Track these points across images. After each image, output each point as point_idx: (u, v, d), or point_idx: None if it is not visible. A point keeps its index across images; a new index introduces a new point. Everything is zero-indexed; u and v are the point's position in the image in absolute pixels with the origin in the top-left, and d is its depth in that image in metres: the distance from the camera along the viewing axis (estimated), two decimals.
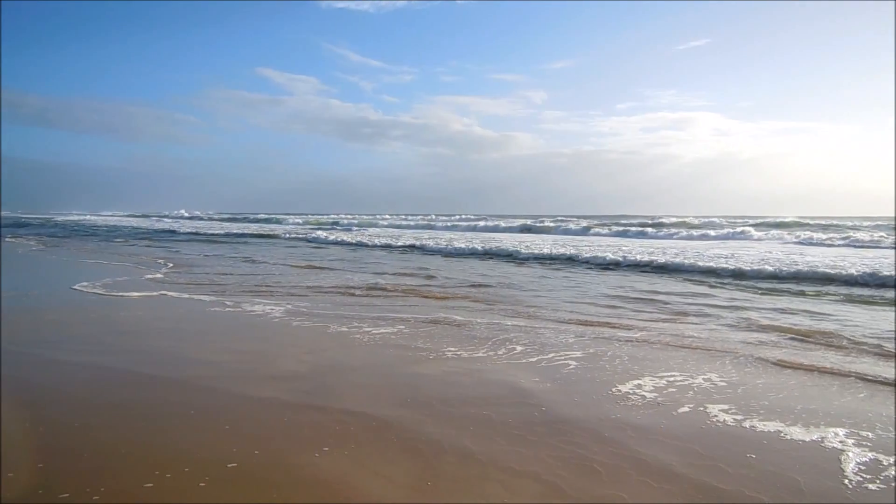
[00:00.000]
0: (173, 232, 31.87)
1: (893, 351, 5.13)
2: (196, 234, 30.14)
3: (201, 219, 60.06)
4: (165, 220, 57.52)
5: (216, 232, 30.98)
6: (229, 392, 3.97)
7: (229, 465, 2.81)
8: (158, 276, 10.85)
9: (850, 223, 32.67)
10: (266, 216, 54.78)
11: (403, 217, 56.02)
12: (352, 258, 15.93)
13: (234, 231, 31.86)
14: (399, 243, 21.09)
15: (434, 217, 52.75)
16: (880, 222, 34.53)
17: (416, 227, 39.90)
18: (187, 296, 8.30)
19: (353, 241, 22.75)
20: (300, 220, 49.18)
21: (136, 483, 2.61)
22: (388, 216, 59.29)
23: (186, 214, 70.69)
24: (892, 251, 16.65)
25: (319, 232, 27.98)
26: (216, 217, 64.70)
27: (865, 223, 33.01)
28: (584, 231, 32.62)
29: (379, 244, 21.12)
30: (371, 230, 34.04)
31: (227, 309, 7.26)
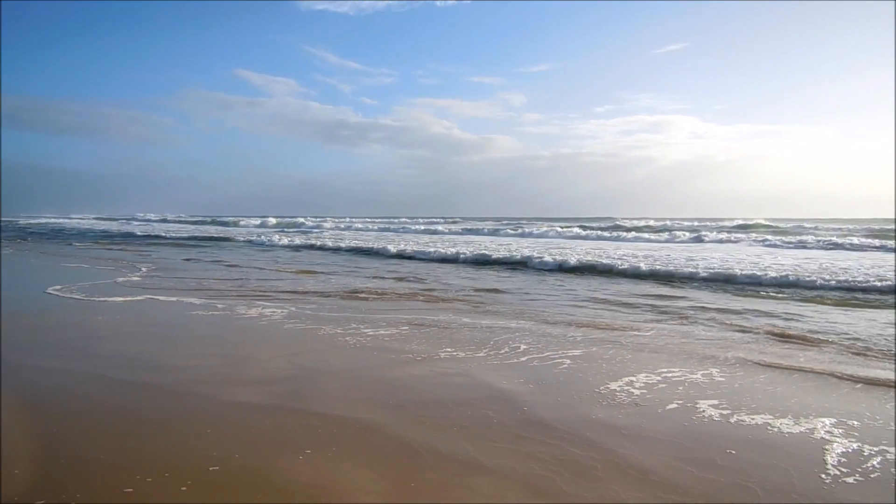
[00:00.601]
0: (130, 235, 31.57)
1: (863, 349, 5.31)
2: (149, 236, 30.24)
3: (167, 221, 59.29)
4: (134, 222, 56.46)
5: (166, 235, 30.87)
6: (208, 396, 3.96)
7: (211, 469, 2.82)
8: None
9: (814, 225, 33.82)
10: (234, 219, 54.14)
11: (373, 220, 56.58)
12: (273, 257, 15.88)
13: (183, 234, 31.56)
14: (343, 245, 21.40)
15: (406, 220, 53.23)
16: (849, 225, 35.78)
17: (383, 230, 39.91)
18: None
19: (294, 244, 23.06)
20: (258, 222, 49.42)
21: (116, 488, 2.61)
22: (364, 219, 59.36)
23: (154, 217, 69.75)
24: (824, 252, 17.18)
25: (276, 235, 28.04)
26: (185, 220, 63.70)
27: (834, 225, 34.22)
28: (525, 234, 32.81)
29: (329, 245, 21.41)
30: (330, 232, 34.39)
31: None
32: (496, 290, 9.79)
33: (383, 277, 11.79)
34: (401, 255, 17.38)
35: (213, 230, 37.47)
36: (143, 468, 2.80)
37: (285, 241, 24.13)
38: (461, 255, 16.14)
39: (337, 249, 20.30)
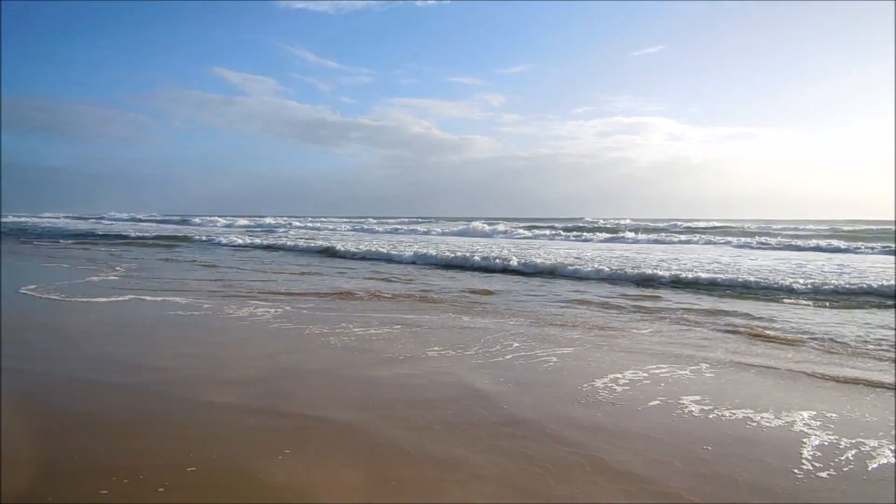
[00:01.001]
0: (89, 234, 30.89)
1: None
2: (107, 235, 29.67)
3: (139, 221, 58.22)
4: (104, 221, 55.31)
5: (118, 234, 30.36)
6: (186, 397, 3.95)
7: (189, 470, 2.81)
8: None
9: (781, 226, 34.81)
10: (206, 218, 53.45)
11: (350, 220, 56.64)
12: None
13: (137, 234, 30.55)
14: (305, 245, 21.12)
15: (375, 221, 53.47)
16: (812, 225, 36.93)
17: (356, 229, 40.05)
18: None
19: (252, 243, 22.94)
20: (227, 222, 49.05)
21: (91, 490, 2.60)
22: (343, 219, 59.25)
23: (124, 216, 68.44)
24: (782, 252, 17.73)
25: (233, 236, 27.76)
26: (155, 219, 62.62)
27: (801, 226, 35.29)
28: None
29: (289, 245, 21.27)
30: (293, 232, 34.15)
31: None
32: (425, 293, 9.84)
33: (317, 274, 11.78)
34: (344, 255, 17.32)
35: (183, 230, 36.90)
36: (118, 470, 2.78)
37: (238, 240, 23.89)
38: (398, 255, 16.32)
39: (294, 249, 20.13)
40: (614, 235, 28.76)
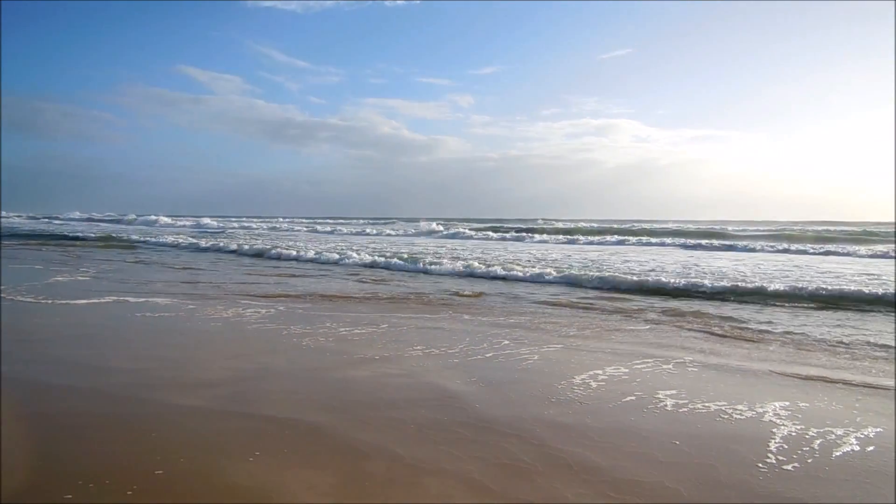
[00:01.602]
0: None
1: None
2: (52, 235, 28.54)
3: (92, 220, 56.54)
4: (55, 221, 53.35)
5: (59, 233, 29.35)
6: (153, 399, 3.90)
7: (156, 473, 2.79)
8: None
9: (742, 228, 35.99)
10: (154, 218, 51.99)
11: (317, 220, 56.30)
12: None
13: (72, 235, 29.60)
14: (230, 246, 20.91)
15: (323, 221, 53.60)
16: (769, 227, 38.29)
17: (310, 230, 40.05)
18: None
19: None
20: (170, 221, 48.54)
21: (54, 495, 2.56)
22: (305, 219, 58.80)
23: (77, 216, 66.39)
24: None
25: (169, 237, 27.09)
26: (110, 218, 60.88)
27: (763, 227, 36.57)
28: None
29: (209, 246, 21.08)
30: (242, 232, 34.10)
31: None
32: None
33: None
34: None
35: (132, 230, 36.26)
36: (84, 474, 2.75)
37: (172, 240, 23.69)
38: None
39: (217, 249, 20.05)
40: (553, 237, 29.71)
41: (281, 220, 62.52)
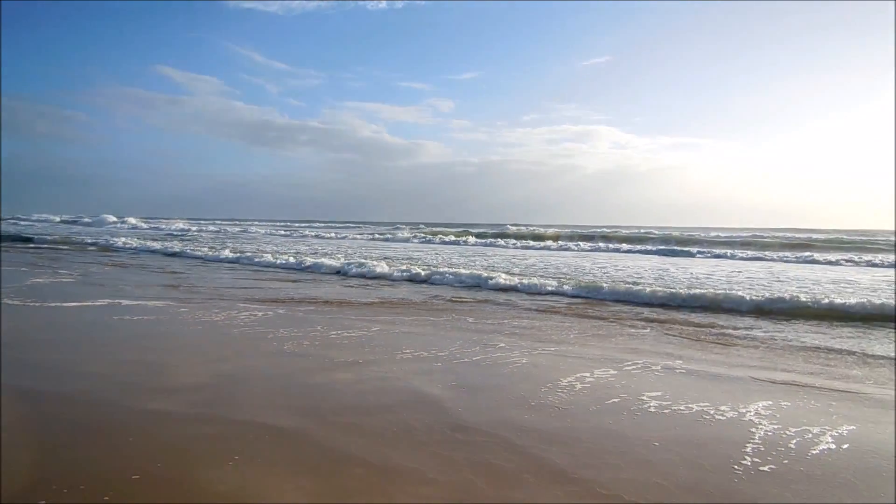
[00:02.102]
0: None
1: None
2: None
3: (51, 221, 55.13)
4: (21, 222, 52.07)
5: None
6: (128, 405, 3.85)
7: (133, 478, 2.77)
8: None
9: (714, 234, 36.64)
10: (116, 220, 51.11)
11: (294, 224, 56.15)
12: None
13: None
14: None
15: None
16: (742, 233, 39.10)
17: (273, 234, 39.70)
18: None
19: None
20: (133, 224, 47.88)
21: (27, 501, 2.53)
22: (283, 222, 58.48)
23: (56, 218, 65.03)
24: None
25: (125, 239, 26.79)
26: (82, 220, 59.64)
27: (738, 233, 37.33)
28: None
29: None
30: (205, 235, 33.78)
31: None
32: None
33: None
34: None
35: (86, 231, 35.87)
36: (57, 479, 2.72)
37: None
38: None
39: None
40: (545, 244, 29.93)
41: (257, 223, 62.02)
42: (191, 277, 12.05)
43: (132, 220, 50.31)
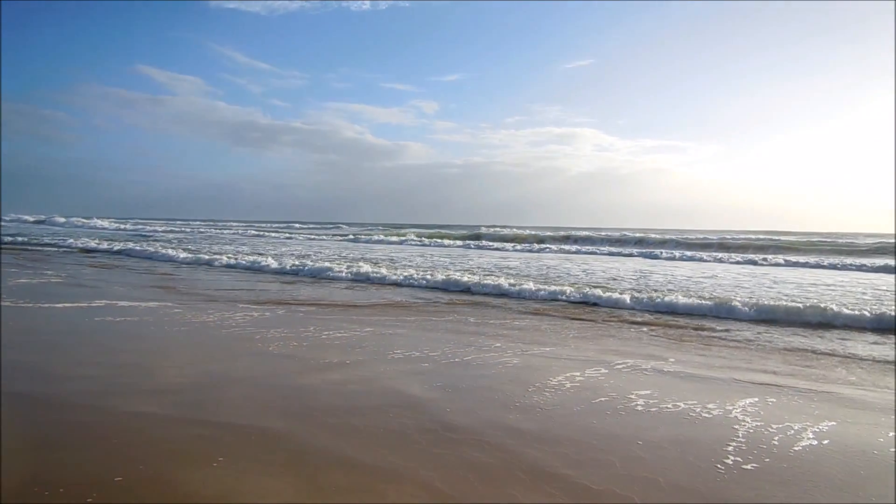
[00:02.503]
0: None
1: None
2: None
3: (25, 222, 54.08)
4: None
5: None
6: (109, 407, 3.81)
7: (116, 479, 2.74)
8: None
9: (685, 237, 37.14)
10: (77, 221, 50.24)
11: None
12: None
13: None
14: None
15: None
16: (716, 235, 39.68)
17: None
18: None
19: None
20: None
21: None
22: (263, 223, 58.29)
23: (30, 218, 63.81)
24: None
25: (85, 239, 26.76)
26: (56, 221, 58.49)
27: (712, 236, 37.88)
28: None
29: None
30: (173, 236, 33.58)
31: None
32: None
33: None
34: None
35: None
36: (39, 484, 2.69)
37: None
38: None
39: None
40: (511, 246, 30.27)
41: (235, 224, 61.62)
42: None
43: (102, 222, 49.77)
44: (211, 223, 64.51)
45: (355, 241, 33.50)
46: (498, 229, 43.20)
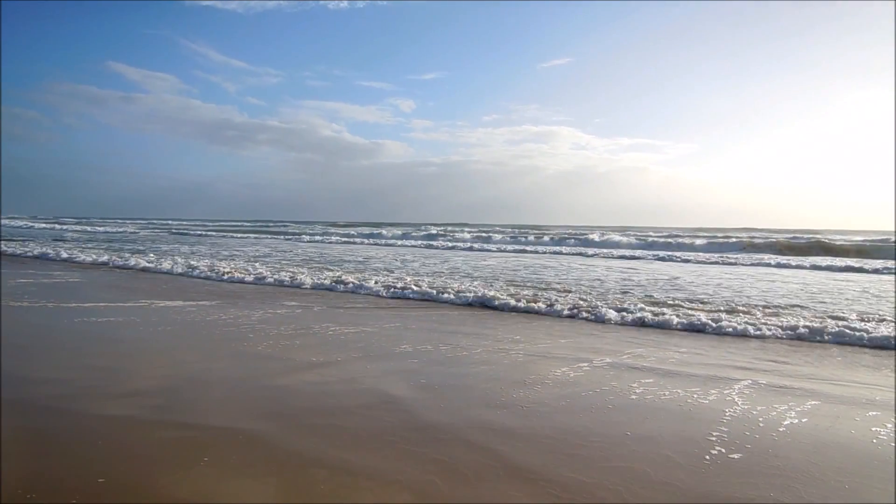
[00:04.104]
0: None
1: None
2: None
3: None
4: None
5: None
6: (86, 411, 3.80)
7: (99, 480, 2.75)
8: None
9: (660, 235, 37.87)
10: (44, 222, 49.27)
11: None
12: None
13: None
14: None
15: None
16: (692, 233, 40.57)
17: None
18: None
19: None
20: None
21: None
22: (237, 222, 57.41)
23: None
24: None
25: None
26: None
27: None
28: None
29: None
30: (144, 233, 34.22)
31: None
32: None
33: None
34: None
35: None
36: (22, 485, 2.69)
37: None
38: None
39: None
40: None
41: (211, 223, 60.91)
42: None
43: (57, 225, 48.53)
44: (181, 222, 63.49)
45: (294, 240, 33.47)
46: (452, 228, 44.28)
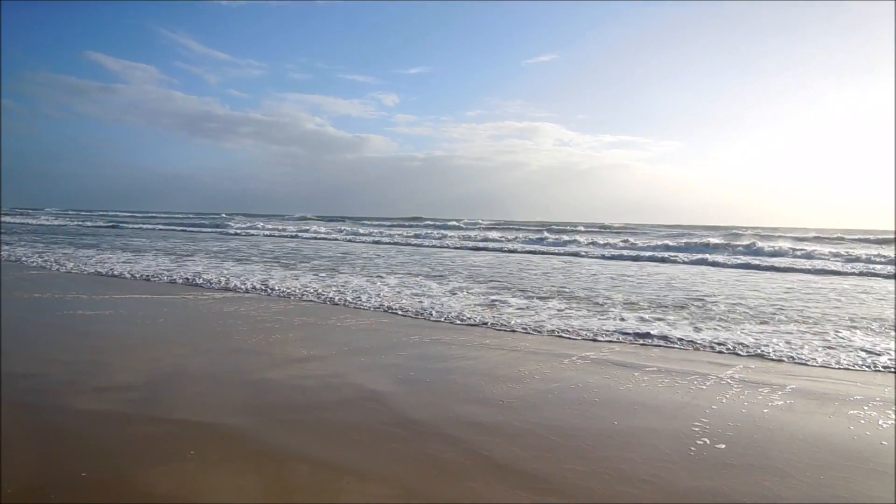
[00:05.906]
0: None
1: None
2: None
3: None
4: None
5: None
6: (64, 406, 3.81)
7: (82, 475, 2.77)
8: None
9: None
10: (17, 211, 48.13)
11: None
12: None
13: None
14: None
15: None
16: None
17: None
18: None
19: None
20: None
21: None
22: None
23: None
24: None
25: None
26: None
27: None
28: None
29: None
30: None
31: None
32: None
33: None
34: None
35: None
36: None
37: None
38: None
39: None
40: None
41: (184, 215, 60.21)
42: None
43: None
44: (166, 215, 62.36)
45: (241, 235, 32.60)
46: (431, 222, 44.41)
